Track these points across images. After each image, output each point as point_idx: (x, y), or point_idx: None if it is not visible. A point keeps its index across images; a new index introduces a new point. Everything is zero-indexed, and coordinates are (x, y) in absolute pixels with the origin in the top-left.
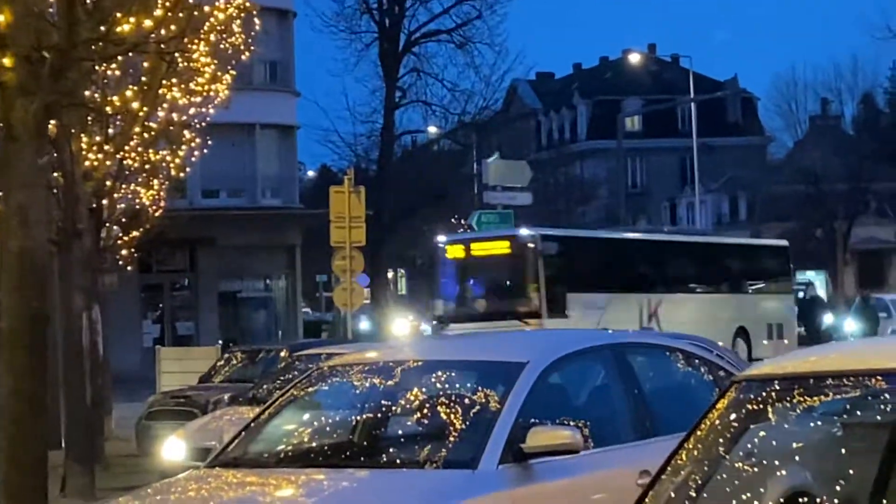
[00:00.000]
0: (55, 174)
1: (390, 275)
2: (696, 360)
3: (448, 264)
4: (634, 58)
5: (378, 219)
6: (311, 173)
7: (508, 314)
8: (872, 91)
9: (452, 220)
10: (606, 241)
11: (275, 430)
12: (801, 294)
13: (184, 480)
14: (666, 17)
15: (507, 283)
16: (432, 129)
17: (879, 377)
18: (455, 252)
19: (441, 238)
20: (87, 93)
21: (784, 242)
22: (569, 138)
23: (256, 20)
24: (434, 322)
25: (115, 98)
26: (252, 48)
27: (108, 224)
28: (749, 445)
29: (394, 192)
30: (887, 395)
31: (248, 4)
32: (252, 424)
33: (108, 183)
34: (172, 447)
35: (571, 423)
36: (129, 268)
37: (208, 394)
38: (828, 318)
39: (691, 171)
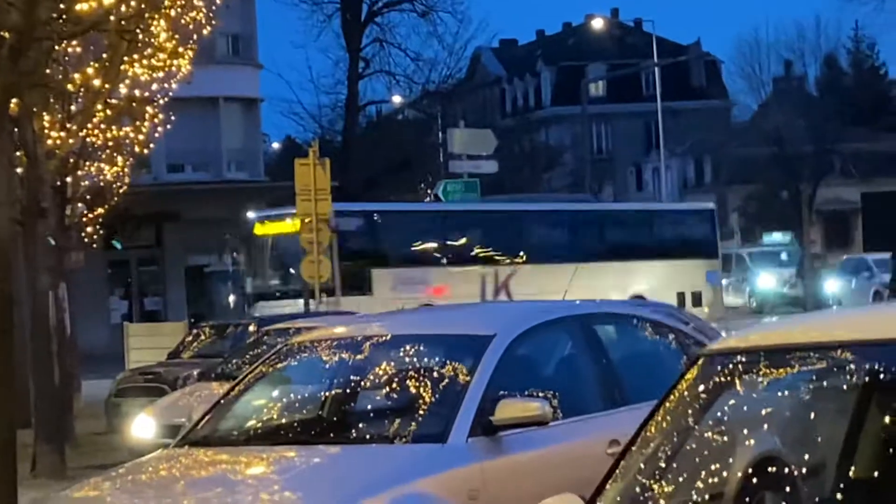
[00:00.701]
0: (17, 153)
1: None
2: (664, 328)
3: (256, 241)
4: (597, 23)
5: (344, 190)
6: (275, 145)
7: (306, 292)
8: (835, 52)
9: (419, 189)
10: (421, 214)
11: (244, 407)
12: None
13: (155, 460)
14: None
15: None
16: (396, 99)
17: (845, 349)
18: (262, 229)
19: (251, 214)
20: (47, 71)
21: (709, 205)
22: (533, 105)
23: None
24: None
25: (76, 76)
26: (213, 22)
27: (72, 202)
28: (718, 414)
29: (359, 164)
30: (853, 366)
31: None
32: (221, 402)
33: (71, 161)
34: (142, 424)
35: (540, 395)
36: (94, 246)
37: (177, 370)
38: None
39: (656, 135)
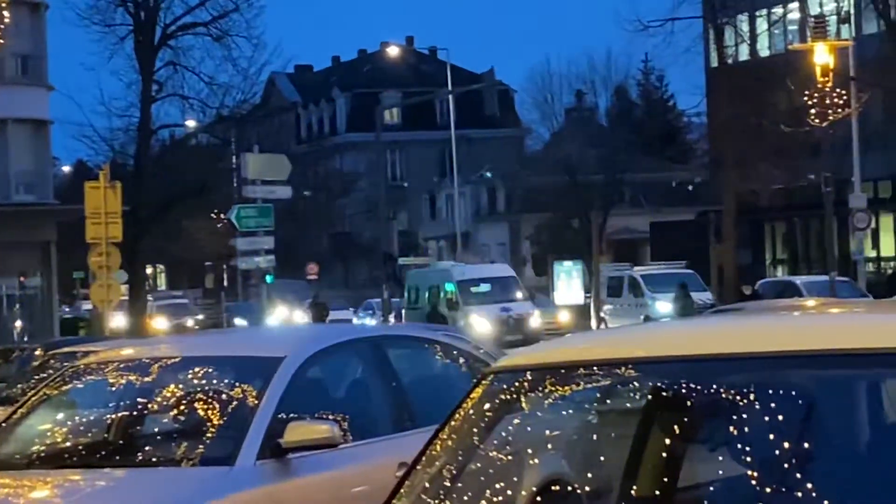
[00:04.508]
0: None
1: (149, 270)
2: (455, 352)
3: None
4: (393, 50)
5: (136, 214)
6: (66, 168)
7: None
8: (625, 83)
9: (212, 214)
10: None
11: (27, 431)
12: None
13: None
14: (424, 9)
15: None
16: (190, 123)
17: (629, 366)
18: None
19: None
20: None
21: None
22: (328, 131)
23: (6, 13)
24: None
25: None
26: (2, 41)
27: None
28: (503, 434)
29: (152, 187)
30: (636, 384)
31: None
32: (3, 425)
33: None
34: None
35: (330, 417)
36: None
37: None
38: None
39: (450, 163)
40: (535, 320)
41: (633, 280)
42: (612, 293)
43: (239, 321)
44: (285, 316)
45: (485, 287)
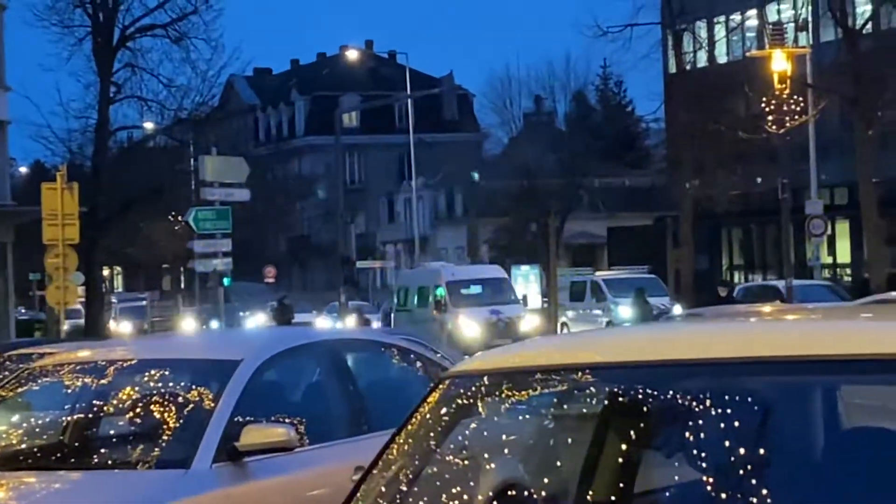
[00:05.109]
0: None
1: (106, 272)
2: (412, 356)
3: None
4: (352, 54)
5: (93, 216)
6: (23, 169)
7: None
8: (584, 88)
9: (170, 217)
10: None
11: None
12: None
13: None
14: (383, 13)
15: None
16: (149, 125)
17: (586, 371)
18: None
19: None
20: None
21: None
22: (287, 134)
23: None
24: None
25: None
26: None
27: None
28: (460, 439)
29: (109, 189)
30: (593, 389)
31: None
32: None
33: None
34: None
35: (286, 421)
36: None
37: None
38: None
39: (409, 166)
40: (526, 323)
41: (596, 285)
42: (575, 298)
43: (214, 324)
44: (262, 319)
45: (475, 289)
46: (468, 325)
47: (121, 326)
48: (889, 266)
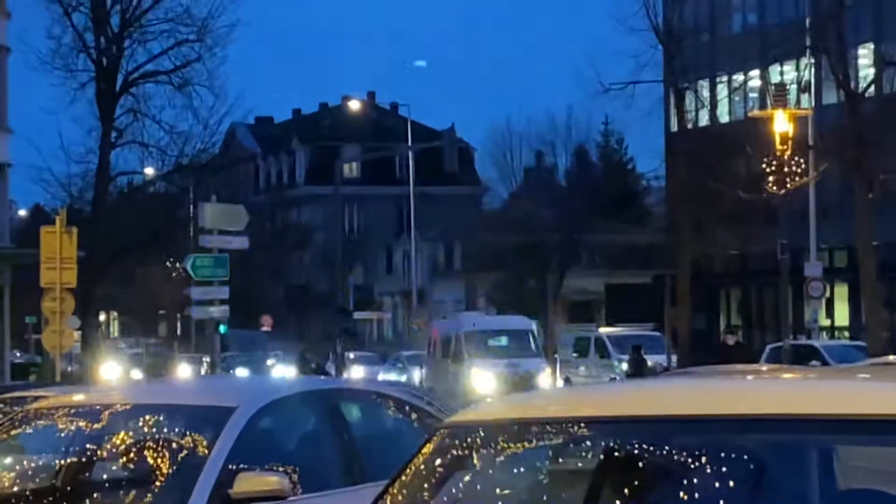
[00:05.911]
0: None
1: (102, 317)
2: (407, 407)
3: None
4: (354, 104)
5: (91, 260)
6: (22, 212)
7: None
8: (585, 144)
9: (167, 263)
10: None
11: None
12: None
13: None
14: (385, 65)
15: None
16: (149, 171)
17: (581, 425)
18: None
19: None
20: None
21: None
22: (287, 183)
23: None
24: None
25: None
26: None
27: None
28: (454, 490)
29: (108, 234)
30: (589, 443)
31: None
32: None
33: None
34: None
35: (280, 469)
36: None
37: None
38: None
39: (408, 218)
40: (546, 378)
41: (600, 341)
42: (579, 354)
43: (241, 371)
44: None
45: (496, 340)
46: (482, 377)
47: (131, 372)
48: (887, 330)
